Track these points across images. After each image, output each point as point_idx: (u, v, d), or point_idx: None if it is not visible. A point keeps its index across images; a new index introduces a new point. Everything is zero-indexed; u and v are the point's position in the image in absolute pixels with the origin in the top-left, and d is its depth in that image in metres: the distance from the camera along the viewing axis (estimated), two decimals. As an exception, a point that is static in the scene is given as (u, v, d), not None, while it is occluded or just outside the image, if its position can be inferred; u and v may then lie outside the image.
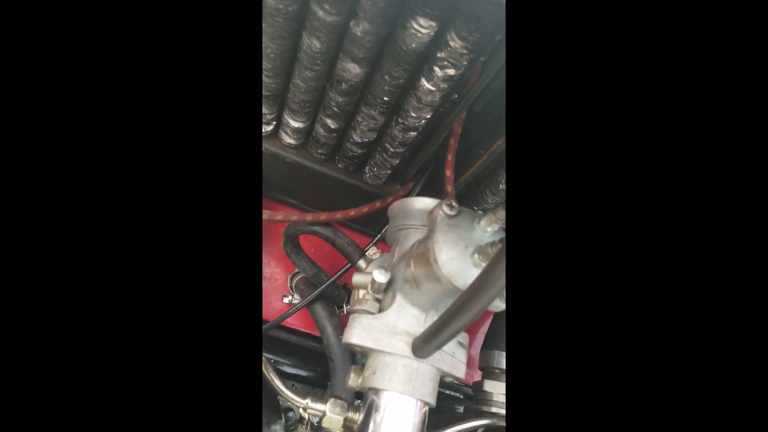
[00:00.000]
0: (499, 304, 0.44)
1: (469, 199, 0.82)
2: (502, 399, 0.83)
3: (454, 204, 0.47)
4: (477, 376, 0.90)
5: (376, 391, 0.51)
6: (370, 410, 0.51)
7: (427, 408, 0.53)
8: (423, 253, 0.47)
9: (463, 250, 0.44)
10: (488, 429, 0.70)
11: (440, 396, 1.07)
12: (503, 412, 0.78)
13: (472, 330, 1.11)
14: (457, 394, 1.11)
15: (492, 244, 0.42)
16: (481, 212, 0.47)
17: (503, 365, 0.86)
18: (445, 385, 1.09)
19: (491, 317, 0.97)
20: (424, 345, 0.47)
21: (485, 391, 0.85)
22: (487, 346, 0.91)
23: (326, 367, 0.88)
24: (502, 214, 0.42)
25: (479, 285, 0.38)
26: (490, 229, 0.45)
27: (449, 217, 0.46)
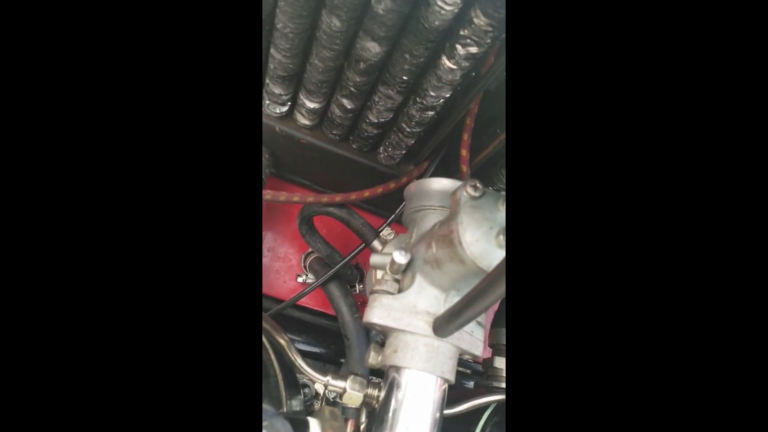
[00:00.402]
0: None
1: (483, 179, 0.82)
2: (513, 375, 0.85)
3: (478, 185, 0.47)
4: (488, 353, 0.92)
5: (397, 368, 0.53)
6: (391, 387, 0.52)
7: (446, 385, 0.54)
8: (446, 235, 0.47)
9: (487, 232, 0.44)
10: (500, 404, 0.72)
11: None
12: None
13: (481, 308, 1.13)
14: (466, 370, 1.13)
15: (517, 226, 0.42)
16: (504, 193, 0.47)
17: (514, 343, 0.88)
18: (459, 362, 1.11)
19: (501, 296, 0.98)
20: (446, 324, 0.48)
21: (495, 368, 0.87)
22: (497, 323, 0.92)
23: (339, 344, 0.90)
24: (527, 196, 0.42)
25: (503, 268, 0.38)
26: (514, 210, 0.45)
27: (473, 198, 0.46)
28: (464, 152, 0.73)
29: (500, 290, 0.40)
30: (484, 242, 0.44)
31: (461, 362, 1.12)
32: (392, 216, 0.77)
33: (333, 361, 0.97)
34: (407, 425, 0.50)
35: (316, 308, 0.95)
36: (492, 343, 0.91)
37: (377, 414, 0.52)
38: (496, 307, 1.02)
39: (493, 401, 0.66)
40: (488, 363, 0.89)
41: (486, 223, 0.44)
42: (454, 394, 0.72)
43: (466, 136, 0.72)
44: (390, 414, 0.51)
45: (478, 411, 0.69)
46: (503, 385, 0.85)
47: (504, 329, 0.90)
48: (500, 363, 0.87)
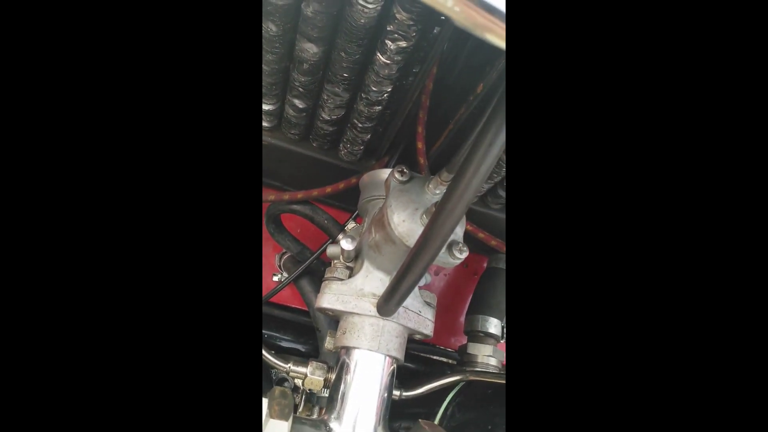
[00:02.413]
0: (450, 260, 0.48)
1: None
2: (485, 360, 0.87)
3: (405, 170, 0.49)
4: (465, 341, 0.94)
5: (347, 349, 0.55)
6: (341, 368, 0.55)
7: (395, 365, 0.57)
8: (380, 219, 0.50)
9: (413, 213, 0.47)
10: (468, 384, 0.74)
11: (432, 362, 1.11)
12: (484, 371, 0.82)
13: (461, 298, 1.15)
14: (451, 361, 1.15)
15: (436, 203, 0.44)
16: (433, 177, 0.50)
17: (486, 328, 0.90)
18: (438, 352, 1.13)
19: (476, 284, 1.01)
20: (385, 303, 0.50)
21: (469, 354, 0.89)
22: (472, 311, 0.94)
23: (319, 339, 0.93)
24: (446, 176, 0.45)
25: (423, 241, 0.41)
26: (438, 191, 0.48)
27: (401, 182, 0.49)
28: (420, 145, 0.76)
29: (423, 263, 0.43)
30: (410, 222, 0.47)
31: (442, 352, 1.14)
32: (357, 211, 0.80)
33: (315, 356, 1.00)
34: (355, 402, 0.52)
35: (296, 306, 0.98)
36: (467, 330, 0.94)
37: (329, 395, 0.55)
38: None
39: (453, 381, 0.69)
40: (463, 349, 0.92)
41: (412, 205, 0.47)
42: (420, 377, 0.75)
43: (420, 129, 0.75)
44: (339, 393, 0.53)
45: (444, 392, 0.72)
46: (477, 369, 0.87)
47: (477, 316, 0.93)
48: (473, 349, 0.89)
